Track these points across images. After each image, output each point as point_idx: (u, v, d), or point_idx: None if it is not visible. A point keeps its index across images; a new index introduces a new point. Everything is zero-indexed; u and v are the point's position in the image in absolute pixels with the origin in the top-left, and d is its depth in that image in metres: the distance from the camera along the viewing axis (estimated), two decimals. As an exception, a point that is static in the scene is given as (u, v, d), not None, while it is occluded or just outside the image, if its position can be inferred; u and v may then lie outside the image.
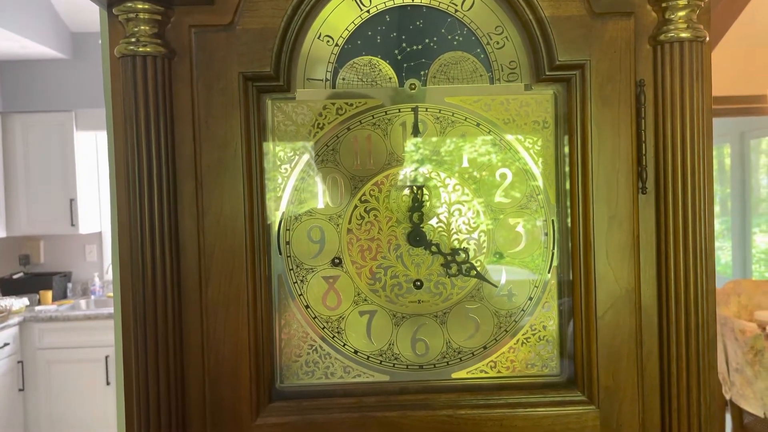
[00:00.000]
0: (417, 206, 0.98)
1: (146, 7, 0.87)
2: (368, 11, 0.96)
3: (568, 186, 0.97)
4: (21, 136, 4.76)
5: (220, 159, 0.91)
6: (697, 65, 0.90)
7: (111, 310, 4.42)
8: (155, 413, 0.89)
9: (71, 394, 4.46)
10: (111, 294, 4.80)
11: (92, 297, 4.98)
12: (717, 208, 6.59)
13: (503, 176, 0.99)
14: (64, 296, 5.00)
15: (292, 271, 0.98)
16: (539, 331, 1.00)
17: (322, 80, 0.97)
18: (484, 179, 0.98)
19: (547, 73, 0.94)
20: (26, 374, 4.45)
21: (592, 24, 0.91)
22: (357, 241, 0.98)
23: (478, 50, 0.97)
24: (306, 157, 0.98)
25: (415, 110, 0.97)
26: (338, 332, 0.99)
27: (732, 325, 3.45)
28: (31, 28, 4.36)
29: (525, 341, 1.00)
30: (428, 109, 0.97)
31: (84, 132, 4.85)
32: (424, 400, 0.95)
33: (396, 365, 0.99)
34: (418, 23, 0.97)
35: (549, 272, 0.99)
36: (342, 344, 0.99)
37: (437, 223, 0.98)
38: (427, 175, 0.98)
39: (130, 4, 0.87)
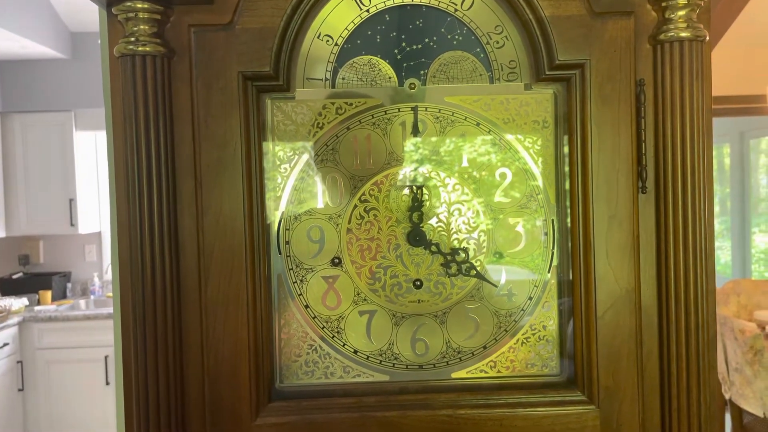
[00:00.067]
0: (417, 206, 0.97)
1: (145, 6, 0.87)
2: (368, 11, 0.96)
3: (567, 186, 0.97)
4: (20, 136, 4.76)
5: (219, 158, 0.91)
6: (697, 64, 0.90)
7: (110, 310, 4.42)
8: (155, 413, 0.89)
9: (71, 394, 4.46)
10: (110, 294, 4.80)
11: (92, 297, 4.98)
12: (716, 208, 6.59)
13: (503, 176, 0.99)
14: (64, 296, 5.00)
15: (291, 271, 0.98)
16: (539, 330, 1.00)
17: (321, 80, 0.97)
18: (483, 179, 0.98)
19: (547, 72, 0.94)
20: (26, 374, 4.45)
21: (592, 23, 0.91)
22: (357, 241, 0.98)
23: (478, 50, 0.97)
24: (305, 156, 0.98)
25: (414, 110, 0.97)
26: (338, 332, 0.99)
27: (731, 324, 3.45)
28: (30, 28, 4.36)
29: (525, 341, 1.00)
30: (428, 109, 0.97)
31: (83, 132, 4.84)
32: (424, 399, 0.95)
33: (396, 365, 0.99)
34: (417, 23, 0.97)
35: (549, 272, 0.99)
36: (342, 344, 0.99)
37: (437, 222, 0.98)
38: (427, 175, 0.98)
39: (129, 4, 0.87)
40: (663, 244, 0.92)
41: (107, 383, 4.45)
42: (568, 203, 0.97)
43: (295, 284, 0.98)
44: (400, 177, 0.98)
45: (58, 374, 4.46)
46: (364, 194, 0.98)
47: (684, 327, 0.90)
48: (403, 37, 0.97)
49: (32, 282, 4.82)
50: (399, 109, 0.97)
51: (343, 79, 0.97)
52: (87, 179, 4.95)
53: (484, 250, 0.99)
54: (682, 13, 0.89)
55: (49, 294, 4.77)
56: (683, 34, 0.89)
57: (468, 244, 0.99)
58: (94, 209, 5.03)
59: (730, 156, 6.46)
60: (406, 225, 0.98)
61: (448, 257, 0.98)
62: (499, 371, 1.00)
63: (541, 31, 0.92)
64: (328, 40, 0.96)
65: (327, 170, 0.98)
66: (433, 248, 0.98)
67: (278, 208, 0.98)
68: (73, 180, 4.78)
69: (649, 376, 0.94)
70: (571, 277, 0.97)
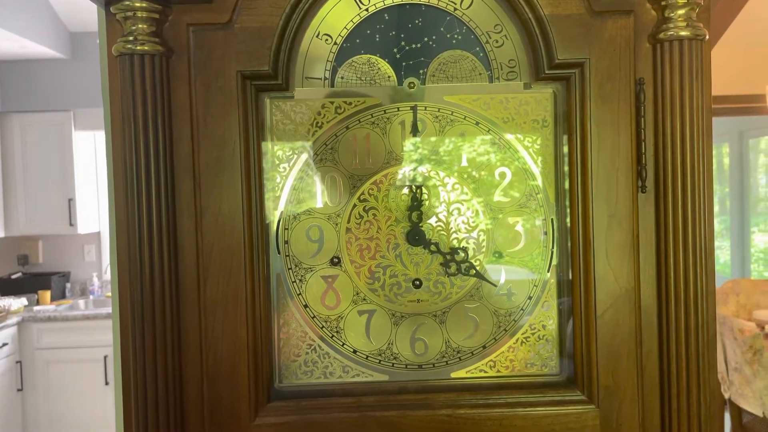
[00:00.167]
0: (416, 205, 0.97)
1: (144, 5, 0.86)
2: (367, 10, 0.96)
3: (567, 185, 0.97)
4: (19, 135, 4.75)
5: (218, 158, 0.91)
6: (697, 63, 0.89)
7: (110, 310, 4.41)
8: (153, 413, 0.88)
9: (70, 394, 4.46)
10: (110, 294, 4.80)
11: (91, 297, 4.98)
12: (716, 208, 6.60)
13: (502, 175, 0.99)
14: (63, 296, 5.00)
15: (290, 271, 0.98)
16: (539, 330, 1.00)
17: (320, 79, 0.96)
18: (483, 178, 0.98)
19: (547, 71, 0.93)
20: (25, 374, 4.45)
21: (592, 22, 0.91)
22: (356, 241, 0.98)
23: (477, 49, 0.97)
24: (305, 156, 0.97)
25: (414, 109, 0.97)
26: (337, 332, 0.99)
27: (731, 324, 3.45)
28: (29, 27, 4.36)
29: (524, 340, 1.00)
30: (427, 108, 0.97)
31: (82, 132, 4.84)
32: (424, 399, 0.95)
33: (395, 365, 0.99)
34: (417, 22, 0.97)
35: (548, 271, 0.99)
36: (341, 344, 0.99)
37: (436, 222, 0.98)
38: (426, 174, 0.98)
39: (127, 3, 0.86)
40: (663, 244, 0.91)
41: (106, 383, 4.44)
42: (567, 203, 0.97)
43: (294, 284, 0.98)
44: (400, 176, 0.98)
45: (57, 374, 4.46)
46: (363, 194, 0.98)
47: (684, 326, 0.90)
48: (402, 36, 0.97)
49: (31, 282, 4.82)
50: (398, 108, 0.97)
51: (342, 78, 0.97)
52: (86, 179, 4.95)
53: (484, 249, 0.99)
54: (681, 12, 0.89)
55: (48, 294, 4.77)
56: (683, 33, 0.89)
57: (467, 243, 0.98)
58: (93, 209, 5.03)
59: (730, 155, 6.47)
60: (405, 224, 0.98)
61: (448, 257, 0.98)
62: (498, 371, 0.99)
63: (541, 30, 0.92)
64: (327, 39, 0.96)
65: (326, 170, 0.98)
66: (433, 248, 0.98)
67: (277, 207, 0.98)
68: (72, 180, 4.78)
69: (648, 376, 0.94)
70: (570, 277, 0.97)
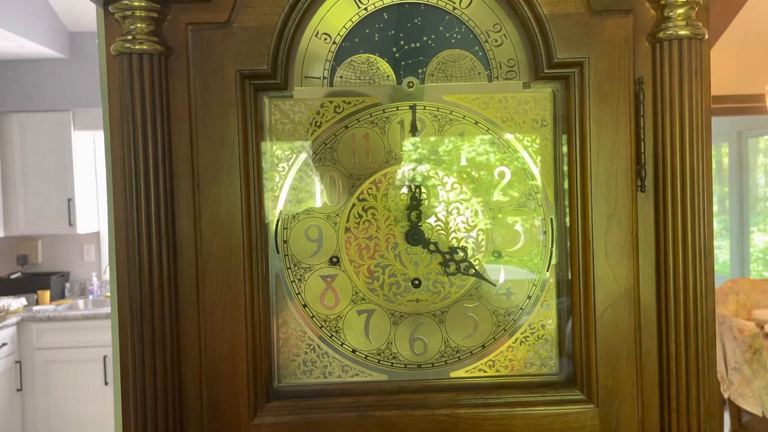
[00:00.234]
0: (415, 205, 0.97)
1: (142, 4, 0.86)
2: (366, 9, 0.96)
3: (566, 185, 0.97)
4: (19, 135, 4.75)
5: (217, 157, 0.91)
6: (696, 63, 0.89)
7: (109, 310, 4.39)
8: (152, 413, 0.88)
9: (69, 395, 4.46)
10: (109, 294, 4.79)
11: (90, 297, 4.97)
12: (715, 207, 6.60)
13: (501, 175, 0.98)
14: (62, 296, 4.99)
15: (289, 270, 0.98)
16: (538, 330, 1.00)
17: (319, 78, 0.96)
18: (482, 178, 0.98)
19: (546, 71, 0.93)
20: (24, 374, 4.44)
21: (591, 21, 0.91)
22: (355, 240, 0.98)
23: (477, 48, 0.97)
24: (303, 155, 0.97)
25: (413, 108, 0.97)
26: (336, 331, 0.99)
27: (730, 324, 3.45)
28: (28, 27, 4.35)
29: (524, 340, 1.00)
30: (426, 107, 0.97)
31: (82, 132, 4.84)
32: (423, 399, 0.95)
33: (394, 364, 0.99)
34: (416, 21, 0.96)
35: (547, 271, 0.99)
36: (340, 343, 0.99)
37: (435, 221, 0.98)
38: (426, 174, 0.98)
39: (126, 2, 0.86)
40: (662, 243, 0.91)
41: (106, 383, 4.44)
42: (566, 202, 0.97)
43: (293, 283, 0.98)
44: (399, 176, 0.98)
45: (56, 374, 4.46)
46: (362, 193, 0.97)
47: (683, 326, 0.90)
48: (401, 35, 0.97)
49: (31, 282, 4.82)
50: (397, 107, 0.97)
51: (341, 77, 0.96)
52: (85, 179, 4.95)
53: (483, 249, 0.99)
54: (680, 11, 0.89)
55: (47, 294, 4.76)
56: (682, 33, 0.89)
57: (466, 243, 0.98)
58: (93, 209, 5.03)
59: (729, 155, 6.47)
60: (404, 224, 0.98)
61: (447, 256, 0.98)
62: (497, 370, 0.99)
63: (540, 29, 0.92)
64: (326, 39, 0.96)
65: (325, 169, 0.97)
66: (432, 247, 0.98)
67: (276, 207, 0.97)
68: (72, 180, 4.77)
69: (648, 375, 0.93)
70: (570, 276, 0.97)
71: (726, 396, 3.64)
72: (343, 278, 0.98)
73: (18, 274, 4.92)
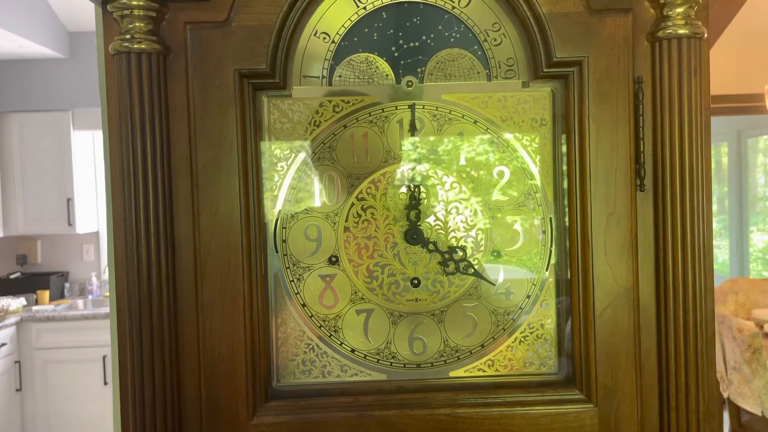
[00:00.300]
0: (414, 204, 0.97)
1: (141, 3, 0.86)
2: (365, 8, 0.96)
3: (566, 184, 0.96)
4: (18, 135, 4.75)
5: (215, 157, 0.90)
6: (696, 62, 0.89)
7: (108, 309, 4.40)
8: (151, 412, 0.88)
9: (68, 395, 4.45)
10: (108, 294, 4.79)
11: (89, 297, 4.97)
12: (714, 207, 6.60)
13: (501, 174, 0.98)
14: (62, 296, 4.99)
15: (288, 270, 0.98)
16: (537, 329, 0.99)
17: (318, 77, 0.96)
18: (481, 177, 0.98)
19: (545, 70, 0.93)
20: (23, 374, 4.44)
21: (590, 20, 0.91)
22: (354, 239, 0.98)
23: (476, 47, 0.97)
24: (302, 155, 0.97)
25: (412, 107, 0.97)
26: (335, 331, 0.98)
27: (730, 323, 3.45)
28: (28, 27, 4.35)
29: (523, 340, 0.99)
30: (425, 107, 0.97)
31: (81, 131, 4.84)
32: (422, 399, 0.95)
33: (393, 364, 0.99)
34: (414, 20, 0.96)
35: (547, 270, 0.99)
36: (339, 343, 0.98)
37: (434, 221, 0.98)
38: (425, 173, 0.98)
39: (124, 1, 0.86)
40: (661, 242, 0.91)
41: (105, 383, 4.44)
42: (566, 201, 0.97)
43: (292, 283, 0.98)
44: (398, 175, 0.97)
45: (55, 374, 4.45)
46: (361, 192, 0.97)
47: (682, 325, 0.90)
48: (400, 34, 0.97)
49: (30, 282, 4.81)
50: (396, 106, 0.97)
51: (340, 76, 0.96)
52: (85, 179, 4.95)
53: (482, 248, 0.99)
54: (680, 10, 0.89)
55: (46, 294, 4.76)
56: (681, 31, 0.89)
57: (465, 242, 0.98)
58: (92, 209, 5.03)
59: (728, 155, 6.47)
60: (403, 223, 0.97)
61: (446, 255, 0.98)
62: (497, 370, 0.99)
63: (539, 28, 0.92)
64: (324, 38, 0.96)
65: (324, 168, 0.97)
66: (431, 246, 0.98)
67: (275, 206, 0.97)
68: (71, 180, 4.77)
69: (647, 375, 0.93)
70: (569, 276, 0.97)
71: (725, 395, 3.64)
72: (342, 278, 0.98)
73: (17, 274, 4.91)
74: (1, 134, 4.74)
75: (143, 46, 0.86)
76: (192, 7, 0.89)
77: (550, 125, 0.98)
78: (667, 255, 0.91)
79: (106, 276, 5.04)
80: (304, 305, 0.98)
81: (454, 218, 0.98)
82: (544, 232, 0.99)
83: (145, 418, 0.88)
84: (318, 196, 0.98)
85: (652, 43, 0.91)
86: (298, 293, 0.98)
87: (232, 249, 0.91)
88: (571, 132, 0.94)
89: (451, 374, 0.99)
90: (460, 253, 0.98)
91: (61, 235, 5.02)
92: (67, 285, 5.05)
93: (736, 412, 3.71)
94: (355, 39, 0.96)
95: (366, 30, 0.96)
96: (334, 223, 0.98)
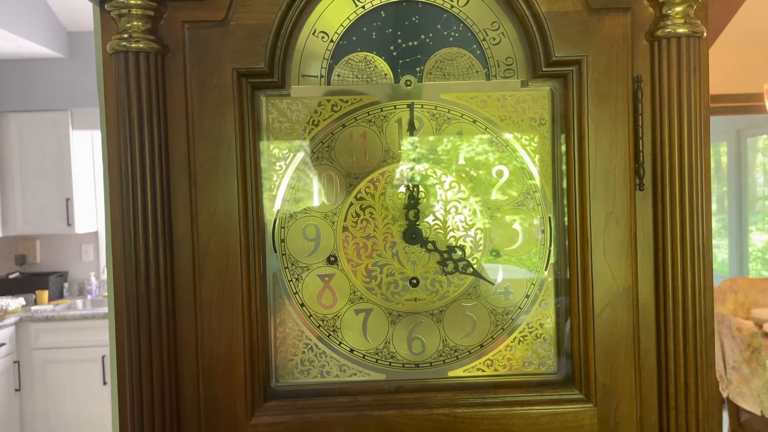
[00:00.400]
0: (413, 204, 0.97)
1: (139, 2, 0.86)
2: (363, 7, 0.96)
3: (565, 183, 0.96)
4: (17, 135, 4.74)
5: (213, 156, 0.90)
6: (695, 61, 0.89)
7: (107, 309, 4.40)
8: (149, 411, 0.88)
9: (68, 395, 4.45)
10: (107, 293, 4.79)
11: (89, 297, 4.97)
12: (714, 206, 6.60)
13: (500, 173, 0.98)
14: (61, 296, 4.99)
15: (287, 270, 0.98)
16: (536, 329, 0.99)
17: (316, 77, 0.96)
18: (480, 176, 0.98)
19: (544, 69, 0.93)
20: (22, 374, 4.44)
21: (589, 19, 0.91)
22: (352, 239, 0.97)
23: (474, 46, 0.96)
24: (301, 154, 0.97)
25: (410, 107, 0.97)
26: (334, 331, 0.98)
27: (729, 323, 3.45)
28: (27, 27, 4.35)
29: (522, 339, 0.99)
30: (424, 106, 0.97)
31: (80, 131, 4.83)
32: (421, 398, 0.95)
33: (392, 364, 0.99)
34: (413, 19, 0.96)
35: (546, 270, 0.99)
36: (338, 343, 0.98)
37: (433, 220, 0.98)
38: (423, 173, 0.97)
39: (122, 0, 0.86)
40: (660, 242, 0.91)
41: (104, 383, 4.44)
42: (565, 201, 0.96)
43: (291, 283, 0.98)
44: (397, 175, 0.97)
45: (55, 374, 4.45)
46: (360, 192, 0.97)
47: (682, 324, 0.90)
48: (398, 33, 0.96)
49: (29, 282, 4.81)
50: (395, 106, 0.97)
51: (338, 76, 0.96)
52: (84, 179, 4.94)
53: (481, 247, 0.98)
54: (679, 9, 0.89)
55: (46, 294, 4.76)
56: (680, 30, 0.88)
57: (464, 242, 0.98)
58: (91, 209, 5.02)
59: (728, 154, 6.47)
60: (402, 223, 0.97)
61: (445, 255, 0.98)
62: (496, 370, 0.99)
63: (538, 27, 0.92)
64: (323, 37, 0.95)
65: (323, 168, 0.97)
66: (430, 246, 0.97)
67: (273, 206, 0.97)
68: (70, 179, 4.77)
69: (646, 374, 0.93)
70: (568, 275, 0.97)
71: (725, 395, 3.64)
72: (341, 277, 0.98)
73: (16, 274, 4.91)
74: (0, 134, 4.74)
75: (141, 46, 0.86)
76: (190, 6, 0.89)
77: (549, 124, 0.98)
78: (666, 254, 0.90)
79: (105, 276, 5.04)
80: (302, 305, 0.98)
81: (453, 218, 0.98)
82: (543, 231, 0.99)
83: (144, 417, 0.88)
84: (317, 195, 0.98)
85: (651, 42, 0.91)
86: (296, 293, 0.98)
87: (230, 249, 0.91)
88: (570, 131, 0.94)
89: (450, 374, 0.99)
90: (459, 253, 0.98)
91: (60, 235, 5.02)
92: (66, 285, 5.05)
93: (736, 411, 3.71)
94: (354, 38, 0.96)
95: (365, 29, 0.96)
96: (333, 223, 0.97)
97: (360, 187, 0.97)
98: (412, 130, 0.97)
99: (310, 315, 0.98)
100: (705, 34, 0.90)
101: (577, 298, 0.95)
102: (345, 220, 0.97)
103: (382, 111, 0.97)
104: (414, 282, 0.98)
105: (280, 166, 0.97)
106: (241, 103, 0.91)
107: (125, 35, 0.86)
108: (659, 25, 0.90)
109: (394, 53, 0.96)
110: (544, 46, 0.92)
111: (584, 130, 0.92)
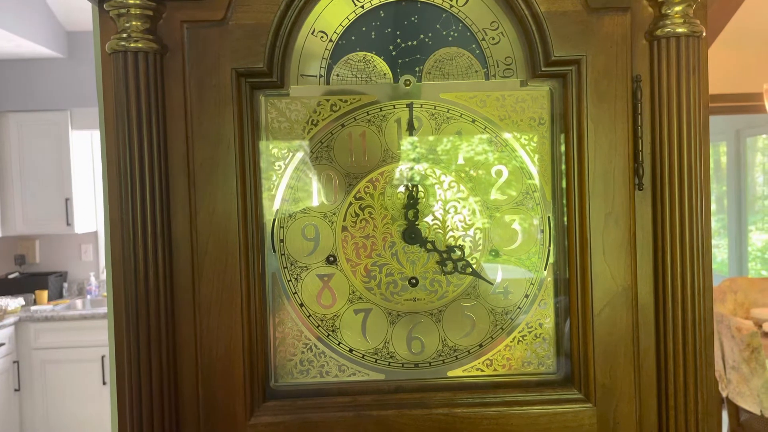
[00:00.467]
0: (412, 203, 0.97)
1: (137, 2, 0.86)
2: (362, 7, 0.95)
3: (564, 183, 0.96)
4: (16, 135, 4.74)
5: (212, 156, 0.90)
6: (694, 60, 0.89)
7: (107, 309, 4.39)
8: (148, 411, 0.88)
9: (67, 395, 4.45)
10: (106, 293, 4.78)
11: (88, 297, 4.97)
12: (713, 206, 6.60)
13: (499, 173, 0.98)
14: (60, 296, 4.98)
15: (286, 269, 0.98)
16: (535, 328, 0.99)
17: (316, 76, 0.96)
18: (479, 176, 0.98)
19: (543, 68, 0.93)
20: (22, 374, 4.44)
21: (588, 19, 0.91)
22: (352, 239, 0.97)
23: (474, 46, 0.96)
24: (300, 154, 0.97)
25: (410, 106, 0.97)
26: (333, 331, 0.98)
27: (728, 322, 3.46)
28: (26, 27, 4.35)
29: (521, 339, 0.99)
30: (423, 106, 0.97)
31: (79, 131, 4.83)
32: (420, 398, 0.95)
33: (391, 364, 0.98)
34: (412, 19, 0.96)
35: (545, 270, 0.99)
36: (337, 343, 0.98)
37: (432, 220, 0.98)
38: (423, 172, 0.97)
39: (121, 0, 0.86)
40: (660, 241, 0.91)
41: (104, 383, 4.43)
42: (564, 201, 0.96)
43: (290, 282, 0.98)
44: (396, 174, 0.97)
45: (54, 374, 4.45)
46: (359, 192, 0.97)
47: (681, 324, 0.90)
48: (398, 33, 0.96)
49: (28, 282, 4.81)
50: (394, 105, 0.97)
51: (337, 75, 0.96)
52: (83, 179, 4.94)
53: (480, 247, 0.98)
54: (678, 8, 0.89)
55: (45, 294, 4.76)
56: (680, 30, 0.88)
57: (464, 241, 0.98)
58: (91, 209, 5.02)
59: (727, 154, 6.47)
60: (401, 223, 0.97)
61: (444, 255, 0.98)
62: (495, 369, 0.99)
63: (537, 26, 0.91)
64: (322, 37, 0.95)
65: (322, 168, 0.97)
66: (429, 246, 0.97)
67: (273, 205, 0.97)
68: (69, 179, 4.77)
69: (646, 374, 0.93)
70: (567, 275, 0.97)
71: (724, 395, 3.64)
72: (340, 277, 0.98)
73: (16, 274, 4.91)
74: (0, 134, 4.73)
75: (140, 45, 0.86)
76: (189, 5, 0.89)
77: (548, 124, 0.97)
78: (665, 254, 0.90)
79: (104, 276, 5.01)
80: (301, 305, 0.98)
81: (452, 217, 0.98)
82: (542, 231, 0.99)
83: (143, 417, 0.88)
84: (316, 195, 0.98)
85: (650, 42, 0.91)
86: (295, 293, 0.98)
87: (229, 248, 0.91)
88: (570, 131, 0.94)
89: (450, 374, 0.99)
90: (459, 253, 0.98)
91: (59, 235, 5.01)
92: (65, 285, 5.05)
93: (735, 411, 3.71)
94: (353, 38, 0.96)
95: (364, 29, 0.96)
96: (332, 223, 0.97)
97: (359, 186, 0.97)
98: (411, 129, 0.97)
99: (310, 315, 0.98)
100: (704, 34, 0.90)
101: (576, 298, 0.95)
102: (344, 220, 0.97)
103: (381, 111, 0.97)
104: (413, 282, 0.98)
105: (279, 165, 0.97)
106: (240, 103, 0.91)
107: (124, 35, 0.86)
108: (658, 24, 0.89)
109: (394, 53, 0.96)
110: (544, 45, 0.92)
111: (583, 129, 0.92)
